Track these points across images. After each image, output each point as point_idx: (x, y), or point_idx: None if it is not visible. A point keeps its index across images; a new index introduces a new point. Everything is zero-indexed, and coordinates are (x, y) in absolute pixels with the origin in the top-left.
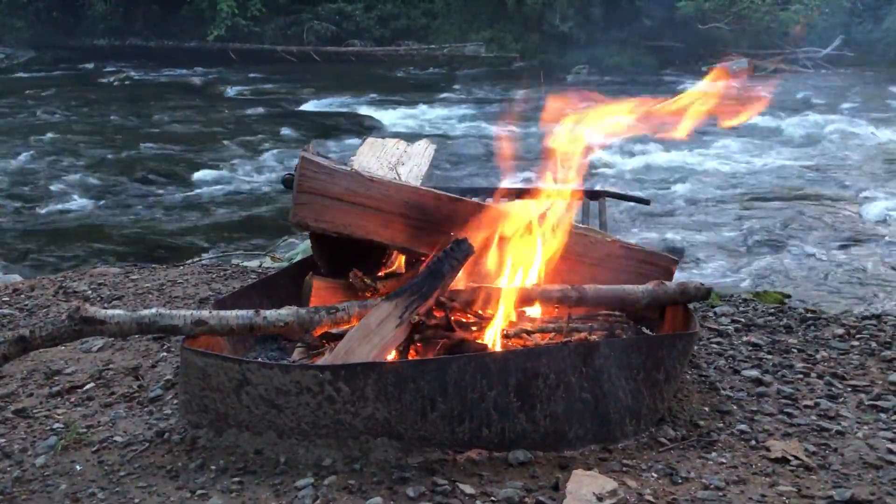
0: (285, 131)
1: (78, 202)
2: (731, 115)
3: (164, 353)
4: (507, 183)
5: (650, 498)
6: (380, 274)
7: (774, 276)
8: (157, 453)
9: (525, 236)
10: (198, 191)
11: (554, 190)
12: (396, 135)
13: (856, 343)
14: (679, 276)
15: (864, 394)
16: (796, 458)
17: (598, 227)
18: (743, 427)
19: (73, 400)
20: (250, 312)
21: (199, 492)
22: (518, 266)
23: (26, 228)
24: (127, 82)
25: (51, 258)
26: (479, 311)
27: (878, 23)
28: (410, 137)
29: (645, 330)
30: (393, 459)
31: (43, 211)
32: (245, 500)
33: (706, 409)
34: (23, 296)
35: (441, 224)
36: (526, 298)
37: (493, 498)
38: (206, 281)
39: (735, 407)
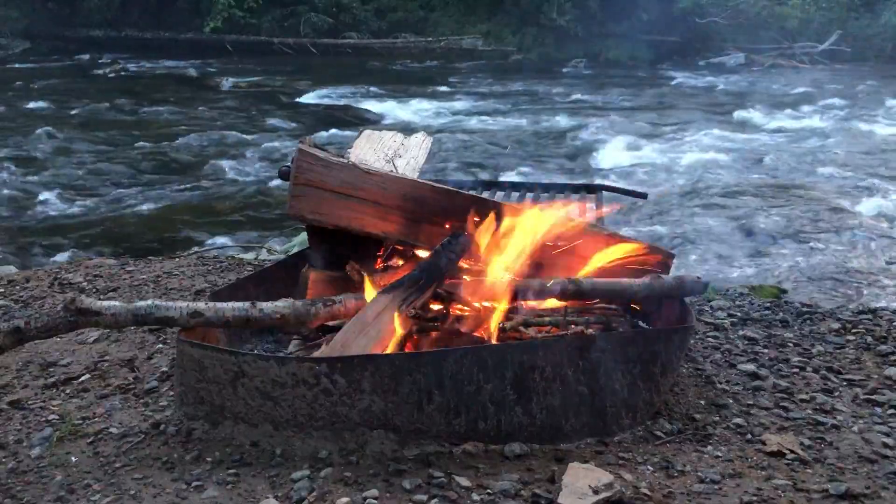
0: (282, 123)
1: (73, 194)
2: None
3: (160, 345)
4: (507, 177)
5: (646, 491)
6: (377, 266)
7: (770, 271)
8: (153, 445)
9: (522, 229)
10: (194, 183)
11: (553, 184)
12: (393, 127)
13: (851, 338)
14: (676, 270)
15: (859, 388)
16: (792, 451)
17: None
18: (739, 421)
19: (68, 391)
20: (246, 304)
21: (194, 483)
22: (515, 259)
23: (21, 220)
24: (122, 73)
25: (46, 250)
26: (476, 304)
27: (875, 18)
28: (407, 130)
29: (641, 323)
30: (389, 452)
31: (38, 202)
32: (241, 491)
33: (702, 402)
34: (18, 287)
35: (438, 217)
36: (523, 291)
37: (489, 490)
38: (203, 273)
39: (731, 401)
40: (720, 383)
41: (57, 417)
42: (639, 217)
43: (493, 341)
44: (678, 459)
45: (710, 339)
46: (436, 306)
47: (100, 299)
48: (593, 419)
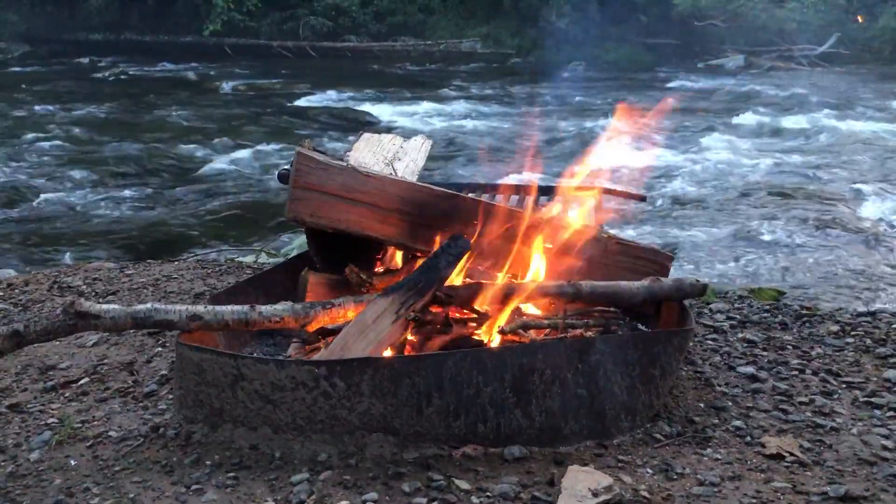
0: (281, 126)
1: (72, 197)
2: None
3: (159, 349)
4: (505, 179)
5: (645, 494)
6: (376, 270)
7: (770, 273)
8: (152, 448)
9: (522, 232)
10: (193, 186)
11: (551, 187)
12: (392, 130)
13: (850, 340)
14: (675, 273)
15: (858, 390)
16: (791, 454)
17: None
18: (738, 423)
19: (67, 395)
20: (245, 307)
21: (194, 487)
22: (515, 262)
23: (20, 223)
24: (122, 77)
25: (45, 253)
26: (476, 307)
27: (874, 20)
28: (406, 133)
29: (640, 326)
30: (388, 455)
31: (37, 206)
32: (240, 495)
33: (701, 405)
34: (17, 290)
35: (437, 220)
36: (522, 294)
37: (488, 493)
38: (202, 276)
39: (730, 403)
40: (719, 386)
41: (56, 421)
42: (638, 219)
43: (493, 344)
44: (677, 462)
45: (709, 342)
46: (435, 309)
47: (99, 303)
48: (592, 422)
